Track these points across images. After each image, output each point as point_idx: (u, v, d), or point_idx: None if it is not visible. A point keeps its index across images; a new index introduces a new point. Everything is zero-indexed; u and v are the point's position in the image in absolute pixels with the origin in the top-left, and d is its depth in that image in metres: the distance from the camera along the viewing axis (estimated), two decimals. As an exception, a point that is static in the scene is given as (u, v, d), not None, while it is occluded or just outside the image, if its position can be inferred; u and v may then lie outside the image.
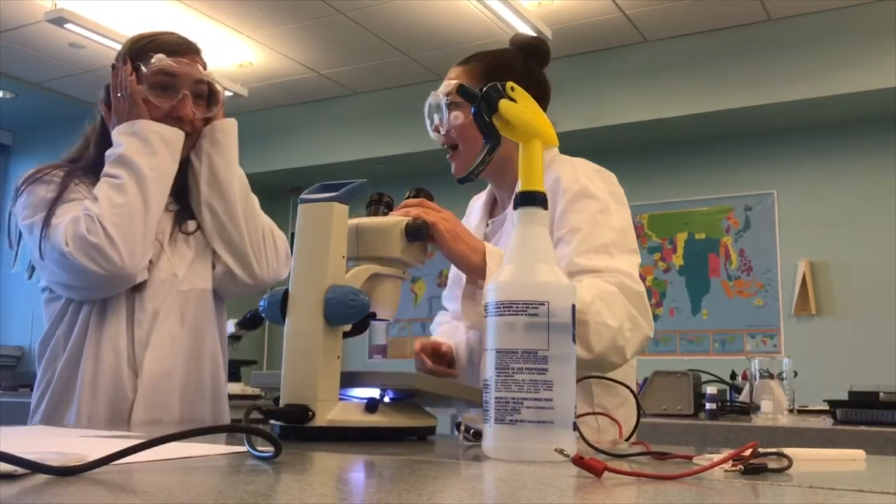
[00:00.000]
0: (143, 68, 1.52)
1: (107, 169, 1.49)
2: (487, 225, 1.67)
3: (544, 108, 1.60)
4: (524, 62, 1.61)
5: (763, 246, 5.37)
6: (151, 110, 1.53)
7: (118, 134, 1.52)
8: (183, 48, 1.57)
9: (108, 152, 1.51)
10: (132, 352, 1.50)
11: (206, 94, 1.59)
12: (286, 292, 1.09)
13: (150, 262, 1.53)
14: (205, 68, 1.59)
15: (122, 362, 1.48)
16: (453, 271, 1.76)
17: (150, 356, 1.50)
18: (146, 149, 1.49)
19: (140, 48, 1.55)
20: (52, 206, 1.48)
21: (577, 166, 1.54)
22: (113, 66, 1.60)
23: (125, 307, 1.52)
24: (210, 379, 1.59)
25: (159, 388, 1.50)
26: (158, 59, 1.51)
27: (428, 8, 4.80)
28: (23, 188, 1.54)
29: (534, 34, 4.72)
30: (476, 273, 1.29)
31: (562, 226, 1.45)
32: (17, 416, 1.59)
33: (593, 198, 1.46)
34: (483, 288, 1.27)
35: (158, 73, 1.52)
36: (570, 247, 1.41)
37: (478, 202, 1.76)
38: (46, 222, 1.46)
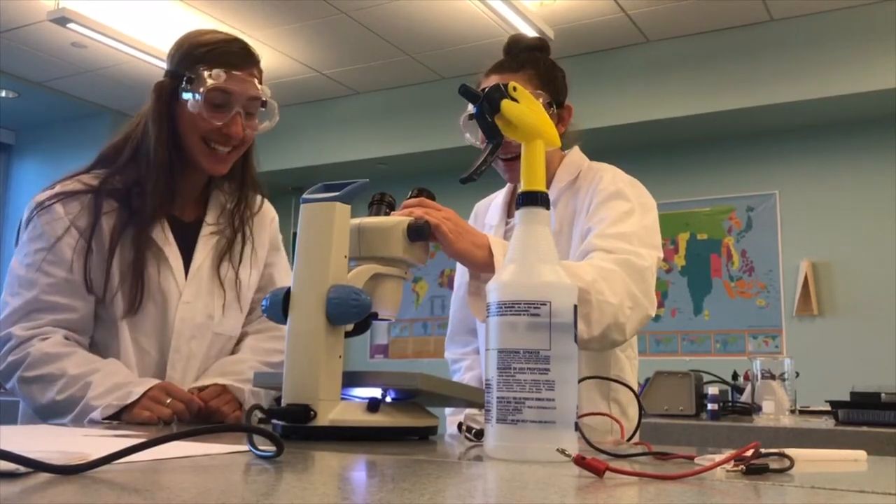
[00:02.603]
0: (198, 82, 1.46)
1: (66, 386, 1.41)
2: (507, 223, 1.68)
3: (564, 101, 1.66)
4: (560, 68, 1.68)
5: (765, 246, 5.36)
6: (202, 125, 1.48)
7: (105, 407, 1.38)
8: (241, 61, 1.50)
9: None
10: None
11: (259, 107, 1.54)
12: (288, 291, 1.09)
13: (187, 302, 1.52)
14: (260, 78, 1.53)
15: None
16: (453, 316, 1.78)
17: None
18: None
19: (198, 57, 1.49)
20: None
21: (617, 174, 1.63)
22: (169, 74, 1.53)
23: (157, 345, 1.51)
24: None
25: None
26: (216, 76, 1.45)
27: (430, 8, 4.80)
28: (31, 215, 1.50)
29: (536, 35, 4.74)
30: (482, 268, 1.30)
31: (591, 218, 1.53)
32: (13, 415, 1.59)
33: (625, 199, 1.54)
34: (486, 280, 1.29)
35: (214, 90, 1.46)
36: (594, 232, 1.49)
37: (493, 202, 1.78)
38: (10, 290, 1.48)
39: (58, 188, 1.52)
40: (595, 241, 1.46)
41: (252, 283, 1.65)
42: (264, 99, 1.54)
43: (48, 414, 1.43)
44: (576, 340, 0.86)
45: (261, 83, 1.53)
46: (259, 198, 1.70)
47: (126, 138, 1.55)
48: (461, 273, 1.72)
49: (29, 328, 1.44)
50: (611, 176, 1.61)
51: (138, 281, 1.48)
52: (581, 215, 1.58)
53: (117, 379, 1.40)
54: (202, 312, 1.54)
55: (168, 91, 1.51)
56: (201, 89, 1.46)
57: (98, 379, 1.39)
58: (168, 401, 1.36)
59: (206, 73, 1.46)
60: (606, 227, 1.48)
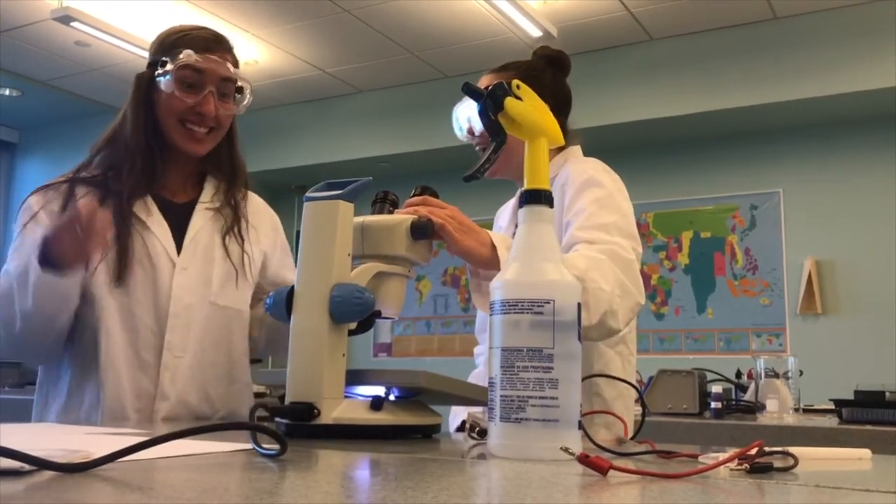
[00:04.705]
0: (171, 64, 1.53)
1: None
2: (516, 225, 1.69)
3: (566, 116, 1.70)
4: (552, 74, 1.70)
5: (769, 245, 5.35)
6: (176, 105, 1.54)
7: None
8: (212, 44, 1.57)
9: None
10: (158, 358, 1.50)
11: (233, 90, 1.60)
12: (292, 290, 1.09)
13: (185, 268, 1.54)
14: (235, 64, 1.60)
15: (148, 367, 1.49)
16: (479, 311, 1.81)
17: (182, 365, 1.52)
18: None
19: (171, 43, 1.56)
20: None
21: (588, 162, 1.64)
22: (148, 66, 1.59)
23: (153, 312, 1.51)
24: (238, 385, 1.62)
25: (185, 393, 1.52)
26: (186, 55, 1.52)
27: (433, 6, 4.79)
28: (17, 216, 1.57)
29: (540, 33, 4.74)
30: (487, 265, 1.31)
31: (570, 211, 1.53)
32: (22, 414, 1.59)
33: (599, 185, 1.55)
34: (485, 277, 1.30)
35: (185, 69, 1.52)
36: (574, 225, 1.49)
37: (508, 206, 1.83)
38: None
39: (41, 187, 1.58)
40: (577, 233, 1.48)
41: (256, 260, 1.68)
42: (239, 84, 1.59)
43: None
44: (579, 339, 0.85)
45: (235, 68, 1.59)
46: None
47: (112, 134, 1.61)
48: None
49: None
50: (579, 166, 1.62)
51: (122, 252, 1.49)
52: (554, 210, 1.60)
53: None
54: (198, 280, 1.56)
55: (146, 79, 1.58)
56: (173, 69, 1.52)
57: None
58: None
59: (178, 55, 1.53)
60: (585, 219, 1.49)
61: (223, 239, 1.62)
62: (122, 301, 1.50)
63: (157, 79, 1.55)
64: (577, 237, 1.47)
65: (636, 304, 1.42)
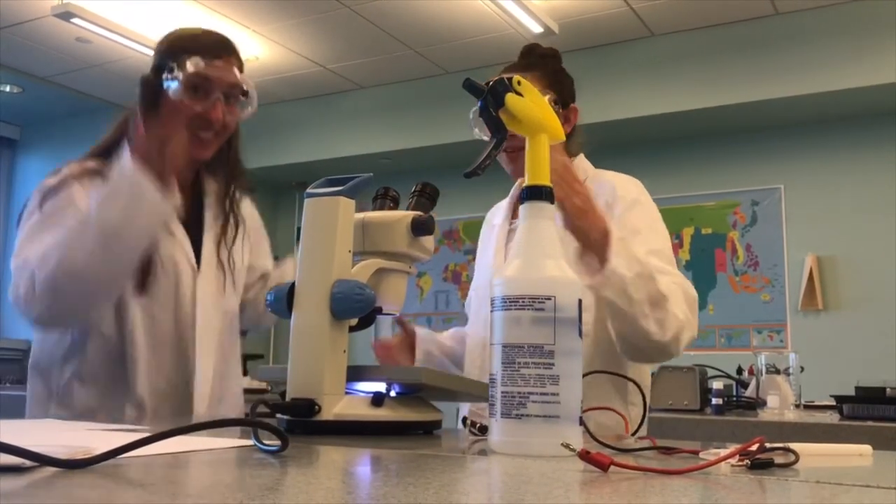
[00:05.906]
0: (178, 70, 1.51)
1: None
2: (511, 223, 1.70)
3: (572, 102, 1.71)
4: (564, 71, 1.72)
5: (770, 241, 5.35)
6: (183, 110, 1.53)
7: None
8: (220, 50, 1.57)
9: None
10: (176, 363, 1.52)
11: (240, 94, 1.59)
12: (293, 286, 1.09)
13: (207, 277, 1.57)
14: (241, 68, 1.59)
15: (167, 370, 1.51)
16: (474, 287, 1.81)
17: (207, 367, 1.54)
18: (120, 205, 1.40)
19: (178, 49, 1.54)
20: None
21: (627, 179, 1.70)
22: (154, 69, 1.58)
23: (172, 316, 1.52)
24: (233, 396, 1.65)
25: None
26: (194, 63, 1.51)
27: (434, 3, 4.78)
28: (46, 197, 1.53)
29: (541, 29, 4.73)
30: (592, 248, 1.34)
31: (622, 227, 1.55)
32: (23, 410, 1.59)
33: (642, 206, 1.63)
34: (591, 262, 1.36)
35: (193, 76, 1.51)
36: (633, 244, 1.50)
37: (501, 202, 1.83)
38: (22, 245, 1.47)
39: (66, 172, 1.56)
40: (646, 260, 1.48)
41: (245, 264, 1.71)
42: (245, 88, 1.58)
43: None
44: (580, 335, 0.85)
45: (241, 72, 1.58)
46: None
47: (118, 132, 1.61)
48: (479, 273, 1.79)
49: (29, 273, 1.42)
50: (623, 183, 1.66)
51: (147, 260, 1.49)
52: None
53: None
54: (215, 290, 1.59)
55: (153, 84, 1.55)
56: (181, 76, 1.51)
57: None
58: None
59: (186, 62, 1.52)
60: (644, 241, 1.52)
61: (224, 246, 1.64)
62: (146, 305, 1.51)
63: (165, 84, 1.53)
64: (650, 265, 1.49)
65: (691, 337, 1.50)
